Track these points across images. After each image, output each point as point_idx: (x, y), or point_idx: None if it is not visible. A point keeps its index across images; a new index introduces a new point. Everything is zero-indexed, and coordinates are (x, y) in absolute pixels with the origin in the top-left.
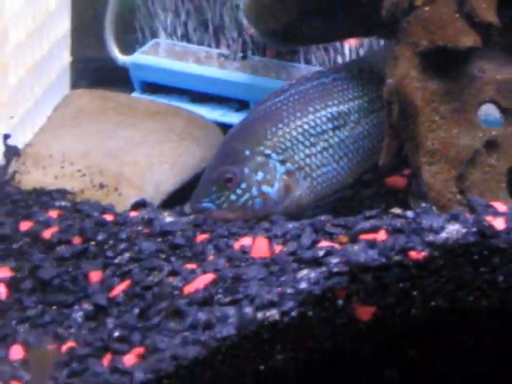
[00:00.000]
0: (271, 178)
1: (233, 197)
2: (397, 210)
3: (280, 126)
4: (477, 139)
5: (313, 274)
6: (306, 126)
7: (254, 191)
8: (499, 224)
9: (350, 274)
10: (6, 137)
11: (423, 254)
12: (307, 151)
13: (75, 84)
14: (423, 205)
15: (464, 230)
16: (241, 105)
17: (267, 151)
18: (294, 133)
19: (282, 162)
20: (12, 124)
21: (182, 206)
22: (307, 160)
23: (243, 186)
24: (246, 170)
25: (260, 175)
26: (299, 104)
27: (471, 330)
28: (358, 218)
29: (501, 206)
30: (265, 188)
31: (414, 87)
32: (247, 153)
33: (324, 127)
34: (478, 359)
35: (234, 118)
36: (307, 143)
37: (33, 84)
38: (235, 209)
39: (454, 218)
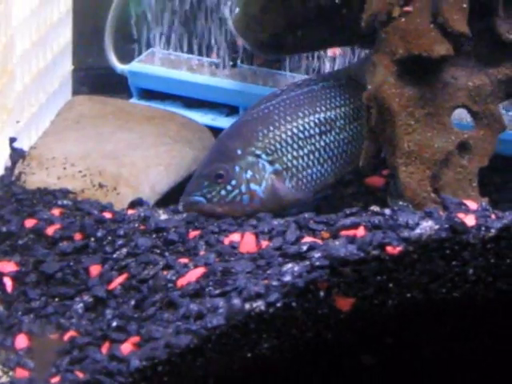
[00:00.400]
0: (259, 177)
1: (223, 192)
2: (375, 208)
3: (271, 128)
4: (450, 141)
5: (296, 268)
6: (295, 130)
7: (243, 188)
8: (470, 221)
9: (331, 267)
10: (12, 140)
11: (399, 248)
12: (295, 153)
13: (77, 91)
14: (400, 203)
15: (437, 227)
16: (231, 110)
17: (258, 152)
18: (284, 136)
19: (271, 163)
20: (18, 128)
21: (176, 204)
22: (294, 161)
23: (233, 182)
24: (237, 168)
25: (249, 173)
26: (290, 109)
27: (443, 319)
28: (339, 215)
29: (472, 204)
30: (253, 186)
31: (391, 93)
32: (239, 152)
33: (312, 132)
34: (450, 346)
35: (224, 122)
36: (295, 146)
37: (37, 91)
38: (224, 203)
39: (428, 215)
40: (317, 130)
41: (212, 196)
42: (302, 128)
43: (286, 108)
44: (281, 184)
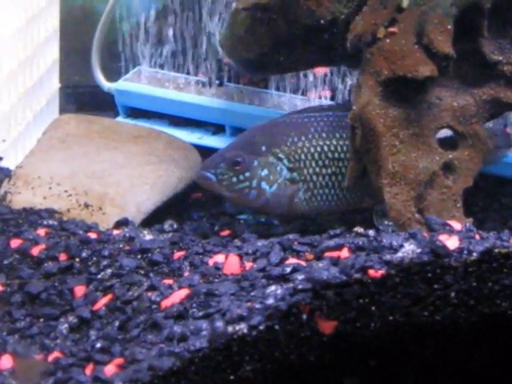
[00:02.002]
0: (273, 179)
1: (234, 179)
2: (359, 229)
3: (303, 138)
4: (434, 162)
5: (279, 290)
6: (325, 148)
7: (254, 183)
8: (454, 242)
9: (314, 290)
10: None
11: (381, 272)
12: (317, 170)
13: (64, 109)
14: (386, 223)
15: (419, 250)
16: (217, 128)
17: (281, 155)
18: (312, 149)
19: (290, 170)
20: (4, 147)
21: (161, 224)
22: (314, 177)
23: (247, 174)
24: (255, 163)
25: (265, 172)
26: (329, 126)
27: (426, 342)
28: (323, 236)
29: (456, 225)
30: (263, 184)
31: (376, 114)
32: (263, 148)
33: (341, 155)
34: (433, 369)
35: (210, 140)
36: (320, 163)
37: (24, 109)
38: (232, 190)
39: (412, 237)
40: (347, 155)
41: (223, 178)
42: (333, 148)
43: (326, 125)
44: (293, 192)
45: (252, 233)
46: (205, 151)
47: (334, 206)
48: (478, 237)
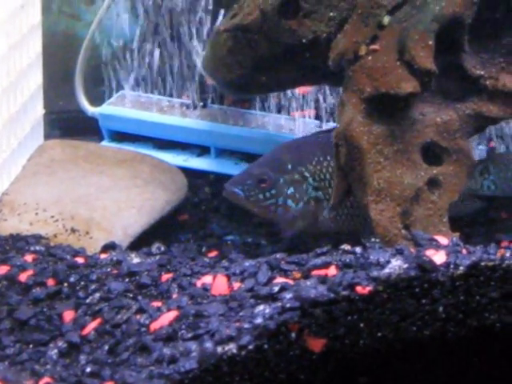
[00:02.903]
0: (299, 197)
1: (261, 196)
2: (346, 246)
3: (328, 158)
4: (419, 178)
5: (268, 310)
6: None
7: (280, 200)
8: (441, 257)
9: (302, 308)
10: None
11: (368, 288)
12: None
13: (48, 134)
14: (373, 239)
15: (405, 265)
16: (202, 150)
17: (306, 174)
18: None
19: (316, 189)
20: None
21: (149, 246)
22: None
23: (273, 191)
24: (281, 180)
25: (291, 190)
26: None
27: (415, 357)
28: (310, 254)
29: (443, 240)
30: (290, 202)
31: (359, 131)
32: (289, 167)
33: None
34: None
35: (196, 162)
36: None
37: (9, 136)
38: (259, 206)
39: (399, 253)
40: None
41: (250, 195)
42: None
43: None
44: (318, 211)
45: (239, 253)
46: (190, 173)
47: (358, 225)
48: (464, 251)
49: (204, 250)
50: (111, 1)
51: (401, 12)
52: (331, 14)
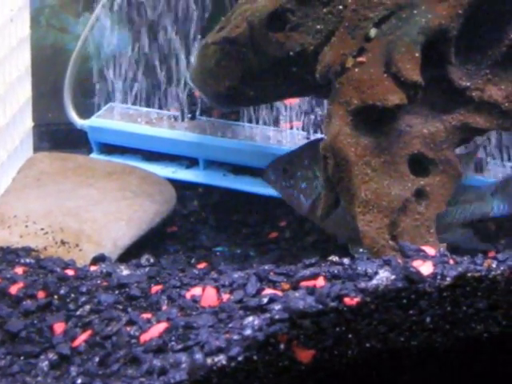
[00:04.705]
0: (309, 193)
1: (284, 183)
2: (334, 258)
3: None
4: (406, 189)
5: (257, 321)
6: None
7: (295, 193)
8: (428, 268)
9: (290, 320)
10: None
11: (356, 299)
12: None
13: (38, 147)
14: (361, 250)
15: (393, 277)
16: (190, 162)
17: (317, 173)
18: None
19: None
20: None
21: (138, 258)
22: None
23: (291, 182)
24: (298, 174)
25: (303, 185)
26: None
27: (403, 367)
28: (298, 266)
29: (430, 250)
30: (302, 198)
31: (347, 143)
32: (305, 163)
33: None
34: None
35: (184, 174)
36: None
37: None
38: (284, 192)
39: (387, 263)
40: None
41: (278, 180)
42: None
43: None
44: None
45: (228, 265)
46: (179, 185)
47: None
48: (452, 261)
49: (193, 261)
50: (99, 14)
51: (387, 24)
52: (318, 26)
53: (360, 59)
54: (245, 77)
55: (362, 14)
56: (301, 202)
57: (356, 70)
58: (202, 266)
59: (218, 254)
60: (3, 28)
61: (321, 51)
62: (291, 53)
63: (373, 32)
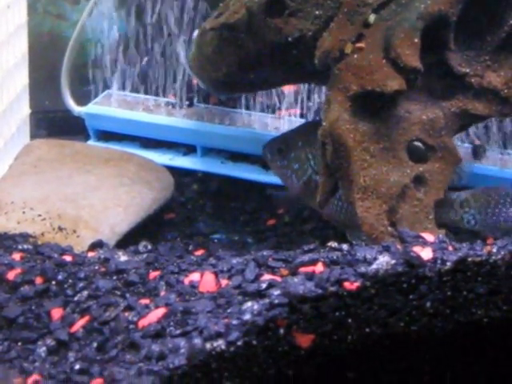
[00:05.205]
0: (300, 175)
1: (278, 163)
2: (333, 244)
3: None
4: (405, 175)
5: (256, 306)
6: None
7: (288, 173)
8: (427, 254)
9: (290, 304)
10: None
11: (356, 284)
12: None
13: (35, 134)
14: (359, 237)
15: (393, 261)
16: (188, 149)
17: (309, 156)
18: None
19: (316, 173)
20: None
21: (135, 245)
22: None
23: (284, 162)
24: (292, 155)
25: (296, 166)
26: None
27: (403, 352)
28: (297, 252)
29: (429, 237)
30: (293, 178)
31: (345, 129)
32: (299, 144)
33: None
34: (410, 378)
35: (182, 161)
36: None
37: None
38: (278, 171)
39: (386, 249)
40: None
41: (274, 159)
42: None
43: None
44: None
45: (226, 251)
46: (177, 172)
47: (347, 219)
48: (451, 248)
49: (191, 248)
50: (96, 0)
51: (386, 10)
52: (317, 12)
53: (359, 45)
54: (243, 63)
55: None
56: (293, 181)
57: (355, 55)
58: (199, 252)
59: (215, 240)
60: (0, 15)
61: (319, 37)
62: (290, 38)
63: (372, 18)
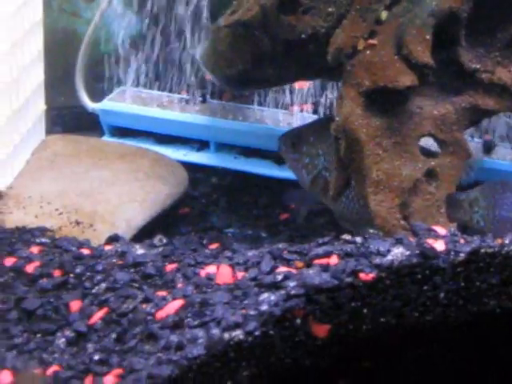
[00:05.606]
0: (310, 170)
1: (291, 155)
2: (347, 236)
3: None
4: (417, 169)
5: (273, 297)
6: None
7: (299, 166)
8: (440, 246)
9: (307, 295)
10: None
11: (371, 275)
12: None
13: (50, 130)
14: (370, 231)
15: (407, 252)
16: (202, 145)
17: (320, 151)
18: None
19: (325, 169)
20: None
21: (151, 239)
22: None
23: (296, 155)
24: (304, 149)
25: (307, 160)
26: None
27: (416, 342)
28: (311, 244)
29: (441, 230)
30: (304, 173)
31: (358, 124)
32: (311, 139)
33: None
34: (424, 367)
35: (195, 157)
36: None
37: (12, 131)
38: (291, 165)
39: (399, 242)
40: None
41: (287, 151)
42: None
43: None
44: (326, 191)
45: (240, 245)
46: (191, 167)
47: (355, 215)
48: (462, 240)
49: (205, 242)
50: None
51: (398, 7)
52: (329, 9)
53: (371, 42)
54: (257, 60)
55: None
56: (303, 175)
57: (367, 52)
58: (213, 246)
59: (229, 234)
60: (17, 12)
61: (332, 34)
62: (303, 35)
63: (384, 15)
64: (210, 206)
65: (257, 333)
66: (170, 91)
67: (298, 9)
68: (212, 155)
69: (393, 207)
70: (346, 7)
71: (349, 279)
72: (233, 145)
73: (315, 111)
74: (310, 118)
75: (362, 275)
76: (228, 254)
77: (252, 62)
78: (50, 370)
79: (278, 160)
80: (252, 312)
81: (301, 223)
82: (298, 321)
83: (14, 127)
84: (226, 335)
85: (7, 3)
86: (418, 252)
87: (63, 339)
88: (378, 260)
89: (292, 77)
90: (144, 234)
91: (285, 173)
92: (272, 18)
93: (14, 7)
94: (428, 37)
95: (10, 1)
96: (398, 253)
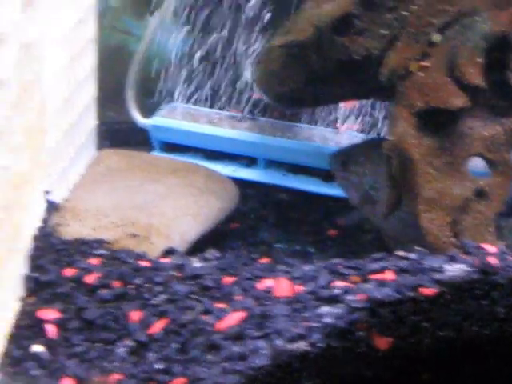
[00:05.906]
0: (358, 188)
1: (341, 174)
2: (401, 253)
3: None
4: (467, 188)
5: (335, 310)
6: None
7: (349, 185)
8: (495, 262)
9: (370, 308)
10: (47, 193)
11: (433, 290)
12: None
13: (100, 145)
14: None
15: (468, 269)
16: (250, 161)
17: (367, 171)
18: None
19: (371, 188)
20: (50, 181)
21: (202, 252)
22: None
23: (346, 174)
24: (352, 168)
25: (355, 180)
26: None
27: (476, 355)
28: (366, 260)
29: (491, 248)
30: (352, 191)
31: (411, 144)
32: (360, 160)
33: None
34: (482, 379)
35: (244, 173)
36: None
37: (67, 145)
38: (342, 184)
39: (452, 259)
40: None
41: (338, 169)
42: None
43: None
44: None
45: (289, 260)
46: (239, 183)
47: (404, 232)
48: (511, 258)
49: (255, 256)
50: (162, 16)
51: (450, 30)
52: (383, 31)
53: (424, 63)
54: (309, 79)
55: (426, 20)
56: (352, 194)
57: (420, 73)
58: (264, 260)
59: (278, 249)
60: (74, 29)
61: (384, 55)
62: (356, 56)
63: (436, 37)
64: (259, 222)
65: (320, 344)
66: (220, 108)
67: (351, 30)
68: (261, 172)
69: (444, 225)
70: (398, 30)
71: (411, 293)
72: (281, 162)
73: (362, 130)
74: (356, 137)
75: (423, 290)
76: (284, 267)
77: (304, 81)
78: (113, 378)
79: (326, 177)
80: (315, 324)
81: (348, 240)
82: (361, 333)
83: (69, 141)
84: (290, 346)
85: (66, 20)
86: (478, 268)
87: (124, 348)
88: (438, 275)
89: (342, 96)
90: (196, 248)
91: (332, 190)
92: (326, 38)
93: (72, 24)
94: (480, 59)
95: (68, 18)
96: (458, 269)
